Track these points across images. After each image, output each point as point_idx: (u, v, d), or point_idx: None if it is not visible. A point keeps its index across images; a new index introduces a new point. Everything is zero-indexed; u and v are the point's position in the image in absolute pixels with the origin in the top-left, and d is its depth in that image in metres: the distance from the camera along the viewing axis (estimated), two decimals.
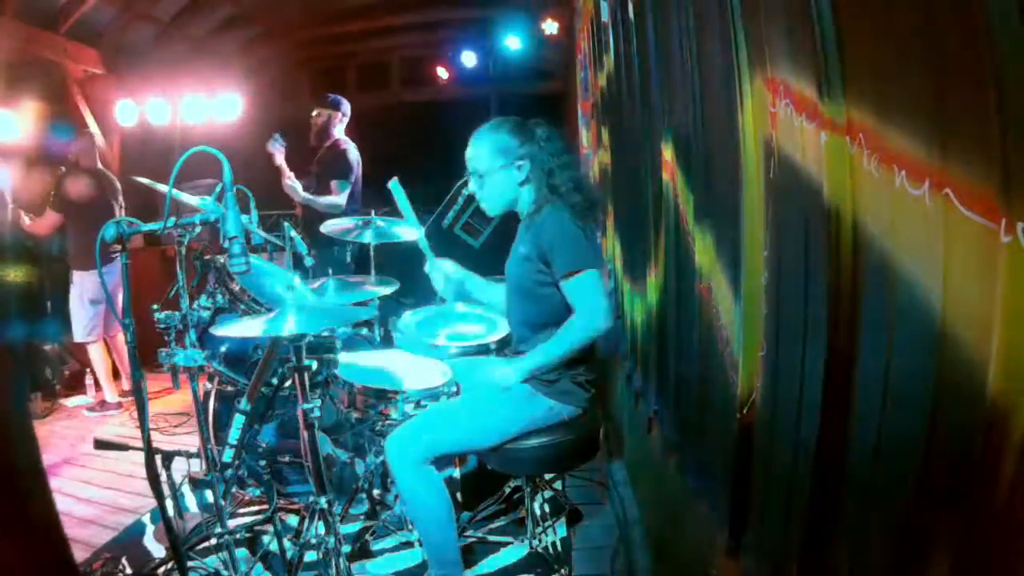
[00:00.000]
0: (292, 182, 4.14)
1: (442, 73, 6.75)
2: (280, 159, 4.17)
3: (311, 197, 4.13)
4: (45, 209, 4.24)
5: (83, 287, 4.27)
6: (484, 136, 2.08)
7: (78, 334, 4.30)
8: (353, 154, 4.25)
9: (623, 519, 2.72)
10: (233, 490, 2.60)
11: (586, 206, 2.04)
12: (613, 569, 2.40)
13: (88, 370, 4.50)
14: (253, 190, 2.67)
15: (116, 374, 4.56)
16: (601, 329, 1.91)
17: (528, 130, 2.09)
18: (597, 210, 2.11)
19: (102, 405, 4.40)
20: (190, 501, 2.95)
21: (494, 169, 2.05)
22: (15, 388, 1.07)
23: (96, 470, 3.45)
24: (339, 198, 4.13)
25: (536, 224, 2.03)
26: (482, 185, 2.09)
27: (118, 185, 4.53)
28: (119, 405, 4.42)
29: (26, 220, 4.24)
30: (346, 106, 4.33)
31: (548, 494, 2.84)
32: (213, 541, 2.48)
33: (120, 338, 4.57)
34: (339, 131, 4.30)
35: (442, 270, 2.29)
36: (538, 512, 2.64)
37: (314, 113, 4.31)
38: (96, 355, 4.35)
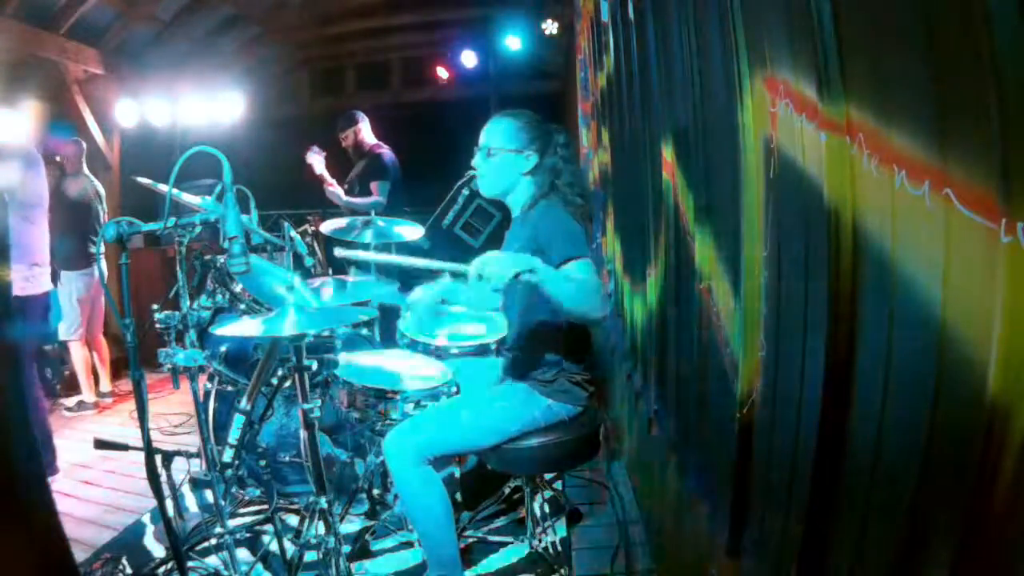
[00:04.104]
0: (335, 189, 4.48)
1: (442, 73, 6.74)
2: (320, 168, 4.47)
3: (354, 200, 4.41)
4: None
5: (71, 287, 4.35)
6: (504, 117, 2.12)
7: (61, 332, 4.36)
8: (389, 156, 4.55)
9: (623, 519, 2.72)
10: (233, 490, 2.60)
11: (583, 213, 2.06)
12: (613, 569, 2.40)
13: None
14: (253, 190, 2.66)
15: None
16: (595, 312, 1.83)
17: (547, 130, 2.12)
18: (590, 221, 2.11)
19: (79, 405, 4.45)
20: (190, 501, 2.95)
21: (504, 149, 2.07)
22: (15, 389, 1.07)
23: (96, 470, 3.45)
24: (381, 198, 4.39)
25: (531, 219, 2.04)
26: (487, 163, 2.10)
27: (101, 190, 4.65)
28: (96, 405, 4.48)
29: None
30: (358, 113, 4.66)
31: (548, 494, 2.84)
32: (213, 541, 2.49)
33: (102, 339, 4.62)
34: (370, 137, 4.65)
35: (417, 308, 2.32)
36: (538, 512, 2.64)
37: (341, 137, 4.63)
38: (77, 354, 4.41)
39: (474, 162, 2.13)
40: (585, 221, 2.07)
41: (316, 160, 4.46)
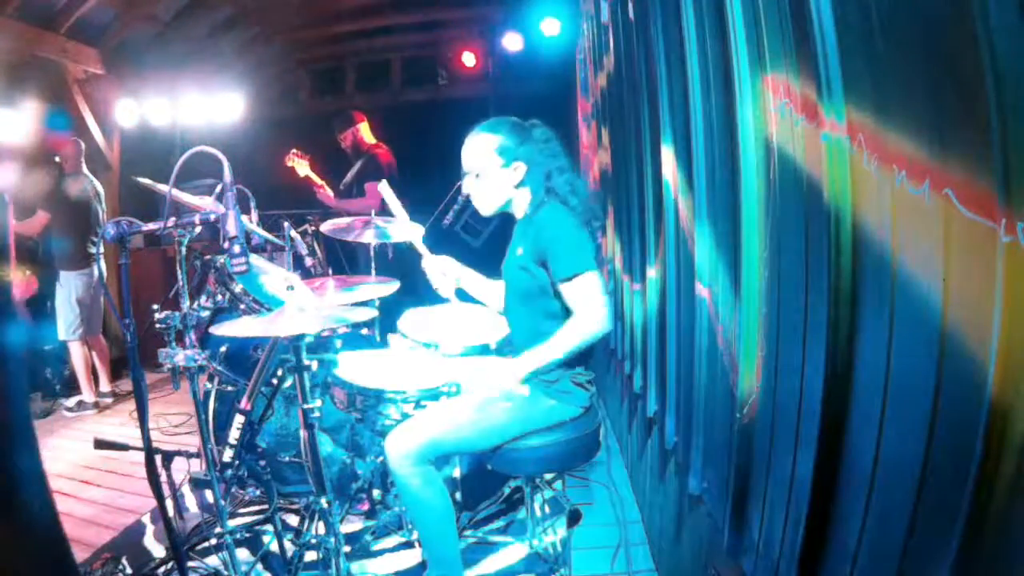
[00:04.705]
0: (326, 190, 4.52)
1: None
2: (304, 171, 4.52)
3: (343, 203, 4.45)
4: (35, 209, 4.29)
5: (70, 287, 4.35)
6: (480, 136, 2.06)
7: (61, 333, 4.37)
8: (384, 156, 4.58)
9: (623, 519, 2.72)
10: (233, 490, 2.59)
11: (584, 209, 2.02)
12: (613, 569, 2.40)
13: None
14: (253, 190, 2.67)
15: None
16: (601, 333, 1.88)
17: (526, 130, 2.07)
18: (596, 214, 2.08)
19: (79, 405, 4.46)
20: (190, 501, 2.95)
21: (490, 169, 2.03)
22: (16, 389, 1.07)
23: (96, 470, 3.45)
24: (371, 200, 4.39)
25: (534, 224, 2.02)
26: (477, 185, 2.07)
27: (101, 190, 4.64)
28: (96, 405, 4.48)
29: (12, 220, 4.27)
30: (357, 113, 4.70)
31: (548, 494, 2.84)
32: (213, 541, 2.49)
33: (102, 339, 4.61)
34: (368, 137, 4.69)
35: (438, 267, 2.30)
36: (538, 512, 2.64)
37: (340, 137, 4.67)
38: (76, 355, 4.41)
39: (464, 188, 2.11)
40: (589, 222, 2.05)
41: (299, 164, 4.47)
